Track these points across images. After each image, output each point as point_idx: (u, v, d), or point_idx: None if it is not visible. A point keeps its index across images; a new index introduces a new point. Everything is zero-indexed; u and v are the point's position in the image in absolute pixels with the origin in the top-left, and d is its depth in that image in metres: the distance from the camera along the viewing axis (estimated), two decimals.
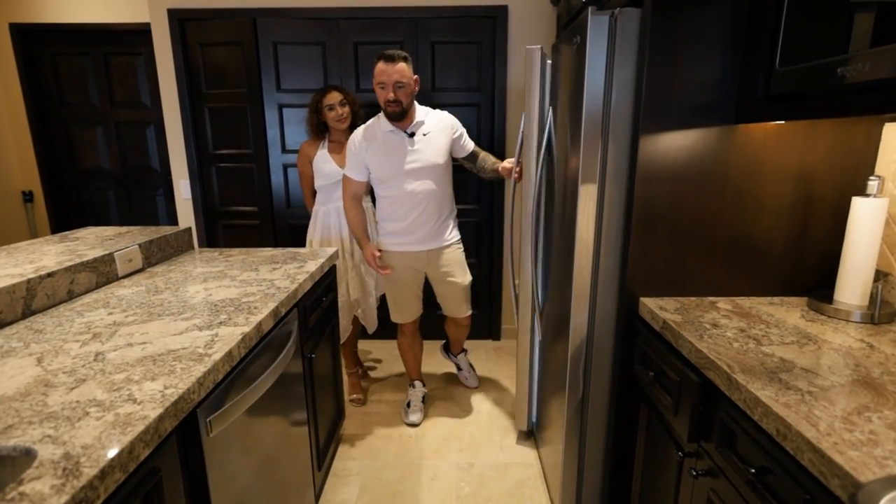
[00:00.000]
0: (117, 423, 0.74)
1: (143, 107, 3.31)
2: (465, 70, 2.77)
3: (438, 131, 1.91)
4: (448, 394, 2.47)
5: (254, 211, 2.96)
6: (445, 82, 2.79)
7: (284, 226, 2.96)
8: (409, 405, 2.26)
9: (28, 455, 0.68)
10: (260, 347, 1.18)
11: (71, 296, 1.34)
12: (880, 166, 1.21)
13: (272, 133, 2.84)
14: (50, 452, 0.66)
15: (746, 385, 0.83)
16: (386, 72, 1.77)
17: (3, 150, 3.27)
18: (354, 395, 2.40)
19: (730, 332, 1.06)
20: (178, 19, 2.69)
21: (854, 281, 1.14)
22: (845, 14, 0.88)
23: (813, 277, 1.29)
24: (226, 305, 1.27)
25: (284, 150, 2.87)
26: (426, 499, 1.75)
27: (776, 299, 1.28)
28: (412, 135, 1.88)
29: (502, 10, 2.68)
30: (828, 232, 1.26)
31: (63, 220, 3.47)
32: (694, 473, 0.99)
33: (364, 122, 2.04)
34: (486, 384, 2.55)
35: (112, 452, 0.66)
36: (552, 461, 1.71)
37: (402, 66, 1.79)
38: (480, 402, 2.38)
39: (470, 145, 2.05)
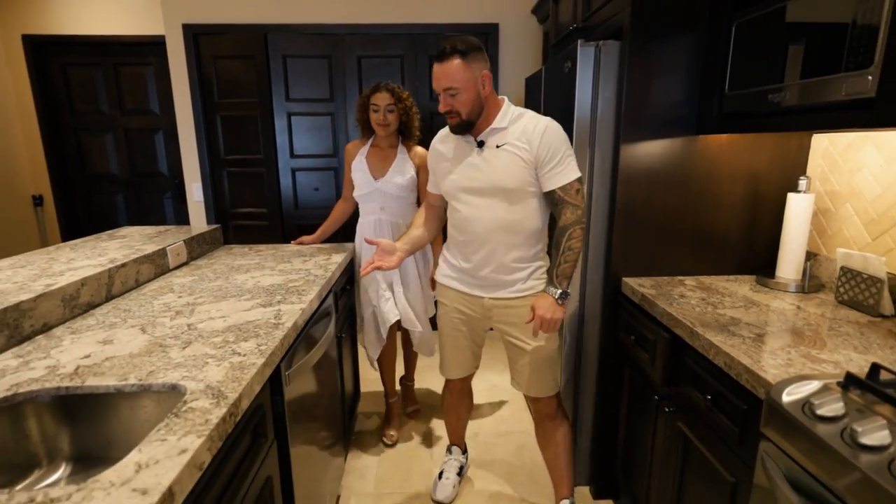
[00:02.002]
0: (234, 367, 0.96)
1: (152, 114, 3.47)
2: None
3: (521, 143, 1.34)
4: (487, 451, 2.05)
5: (263, 212, 3.16)
6: None
7: (293, 226, 3.16)
8: (440, 475, 1.83)
9: (174, 389, 0.91)
10: (311, 322, 1.41)
11: (137, 284, 1.54)
12: (810, 168, 1.52)
13: (281, 139, 3.05)
14: (194, 386, 0.89)
15: (704, 334, 1.10)
16: (435, 76, 1.33)
17: (14, 155, 3.39)
18: (389, 432, 2.11)
19: (693, 301, 1.34)
20: (193, 34, 2.88)
21: (790, 260, 1.44)
22: (781, 51, 1.17)
23: (760, 259, 1.58)
24: (276, 289, 1.49)
25: (293, 155, 3.08)
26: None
27: (731, 277, 1.57)
28: (481, 144, 1.39)
29: (493, 28, 2.95)
30: (771, 222, 1.56)
31: (73, 223, 3.60)
32: (667, 410, 1.26)
33: (408, 133, 1.98)
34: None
35: (243, 383, 0.89)
36: None
37: (454, 64, 1.28)
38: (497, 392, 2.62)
39: (557, 181, 1.34)
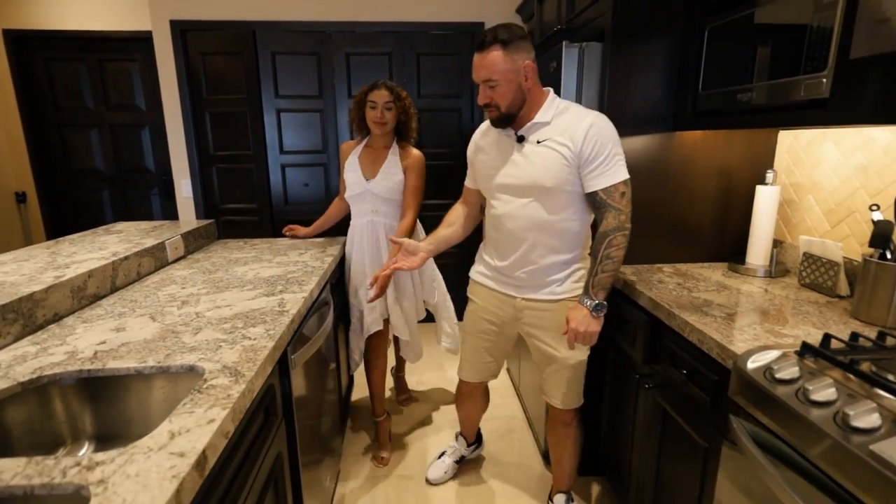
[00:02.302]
0: (246, 350, 1.03)
1: (137, 110, 3.45)
2: (448, 79, 3.10)
3: (563, 140, 1.26)
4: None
5: (253, 208, 3.19)
6: (430, 90, 3.11)
7: (283, 221, 3.17)
8: (439, 456, 1.89)
9: (192, 371, 0.97)
10: (312, 310, 1.48)
11: (139, 276, 1.58)
12: (776, 163, 1.63)
13: (271, 135, 3.09)
14: (211, 366, 0.95)
15: (680, 315, 1.20)
16: (475, 66, 1.26)
17: None
18: (381, 454, 1.98)
19: (671, 286, 1.44)
20: (181, 30, 2.89)
21: (759, 248, 1.55)
22: (748, 54, 1.26)
23: (732, 247, 1.69)
24: (277, 280, 1.55)
25: (282, 151, 3.12)
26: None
27: (706, 264, 1.68)
28: (521, 139, 1.32)
29: (479, 26, 3.03)
30: (742, 213, 1.67)
31: (57, 220, 3.56)
32: (647, 386, 1.36)
33: (405, 133, 1.91)
34: None
35: (257, 363, 0.96)
36: (536, 411, 2.06)
37: (494, 55, 1.22)
38: None
39: (600, 182, 1.25)
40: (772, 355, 0.91)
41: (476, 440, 1.97)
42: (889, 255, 1.13)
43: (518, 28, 1.25)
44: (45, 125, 3.43)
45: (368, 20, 2.96)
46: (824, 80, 1.00)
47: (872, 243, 1.17)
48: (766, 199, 1.52)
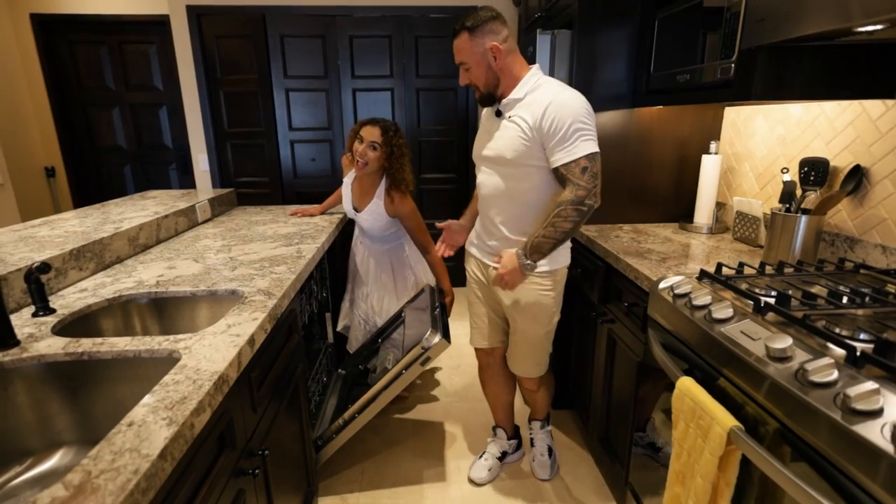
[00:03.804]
0: (274, 280, 1.31)
1: (156, 90, 3.70)
2: (444, 60, 3.33)
3: (526, 115, 1.32)
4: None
5: (265, 181, 3.46)
6: (428, 70, 3.34)
7: (291, 193, 3.47)
8: (481, 455, 1.82)
9: (234, 294, 1.25)
10: (323, 258, 1.76)
11: (177, 232, 1.87)
12: (722, 135, 1.88)
13: (280, 113, 3.33)
14: (248, 290, 1.24)
15: (624, 258, 1.48)
16: (454, 51, 1.36)
17: (26, 129, 3.62)
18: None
19: (625, 240, 1.71)
20: (196, 14, 3.12)
21: (704, 209, 1.81)
22: (686, 42, 1.50)
23: (684, 208, 1.95)
24: (293, 236, 1.83)
25: (291, 128, 3.37)
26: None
27: (661, 224, 1.95)
28: (499, 114, 1.40)
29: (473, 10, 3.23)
30: (693, 179, 1.92)
31: (83, 192, 3.85)
32: (600, 321, 1.64)
33: (393, 176, 1.87)
34: None
35: (285, 286, 1.24)
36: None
37: (462, 39, 1.32)
38: None
39: (560, 158, 1.28)
40: (677, 279, 1.18)
41: (516, 435, 1.90)
42: (792, 209, 1.39)
43: (487, 12, 1.31)
44: (70, 105, 3.69)
45: (370, 4, 3.18)
46: (732, 65, 1.25)
47: (781, 200, 1.43)
48: (709, 167, 1.78)
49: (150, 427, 0.68)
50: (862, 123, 1.29)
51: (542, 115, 1.28)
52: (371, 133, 1.80)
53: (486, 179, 1.46)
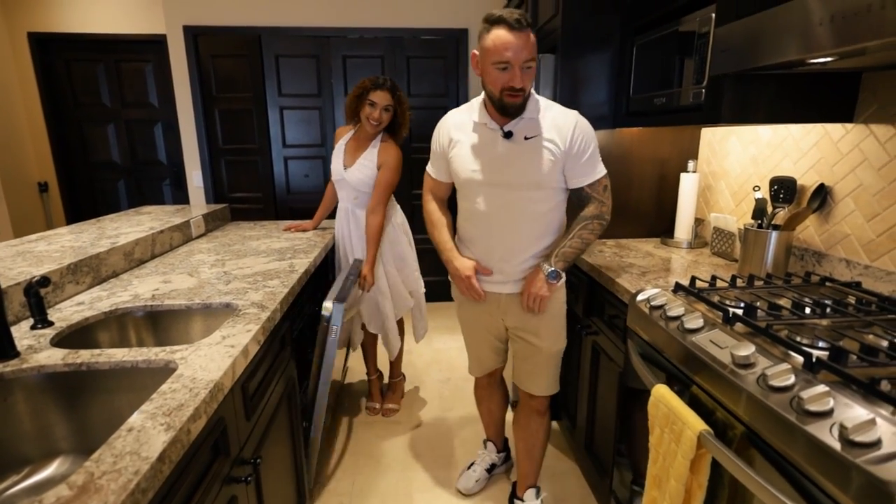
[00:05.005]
0: (267, 293, 1.35)
1: (151, 107, 3.75)
2: (435, 80, 3.42)
3: (551, 137, 1.30)
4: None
5: (258, 196, 3.51)
6: (419, 90, 3.43)
7: (285, 209, 3.52)
8: (469, 466, 1.84)
9: (228, 307, 1.29)
10: (315, 272, 1.80)
11: (171, 247, 1.90)
12: (700, 154, 1.97)
13: (274, 131, 3.40)
14: (242, 303, 1.28)
15: (606, 272, 1.54)
16: (512, 46, 1.17)
17: (20, 145, 3.64)
18: (370, 404, 2.31)
19: (608, 254, 1.77)
20: (193, 34, 3.20)
21: (683, 225, 1.88)
22: (662, 67, 1.59)
23: (665, 225, 2.03)
24: (286, 250, 1.88)
25: (285, 144, 3.43)
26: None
27: (643, 239, 2.02)
28: (509, 135, 1.30)
29: (464, 33, 3.34)
30: (673, 196, 2.00)
31: (76, 207, 3.87)
32: (585, 333, 1.69)
33: (397, 130, 1.94)
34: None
35: (278, 299, 1.29)
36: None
37: (532, 37, 1.20)
38: None
39: (587, 178, 1.34)
40: (654, 292, 1.24)
41: (504, 448, 1.92)
42: (763, 225, 1.46)
43: None
44: (65, 121, 3.73)
45: (363, 26, 3.27)
46: (703, 90, 1.33)
47: (753, 216, 1.50)
48: (687, 185, 1.86)
49: (149, 432, 0.71)
50: (825, 145, 1.37)
51: (571, 136, 1.30)
52: (383, 98, 1.88)
53: (503, 208, 1.34)
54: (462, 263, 1.41)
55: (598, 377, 1.67)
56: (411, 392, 2.49)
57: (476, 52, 1.27)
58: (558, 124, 1.31)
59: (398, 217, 2.12)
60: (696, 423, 0.90)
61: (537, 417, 1.58)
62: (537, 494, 1.66)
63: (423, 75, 3.41)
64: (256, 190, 3.50)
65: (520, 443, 1.64)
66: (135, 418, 0.74)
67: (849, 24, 0.83)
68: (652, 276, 1.49)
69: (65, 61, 3.63)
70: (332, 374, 1.59)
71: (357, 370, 2.67)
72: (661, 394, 1.02)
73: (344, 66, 3.35)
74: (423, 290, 2.24)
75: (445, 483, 1.84)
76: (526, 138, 1.30)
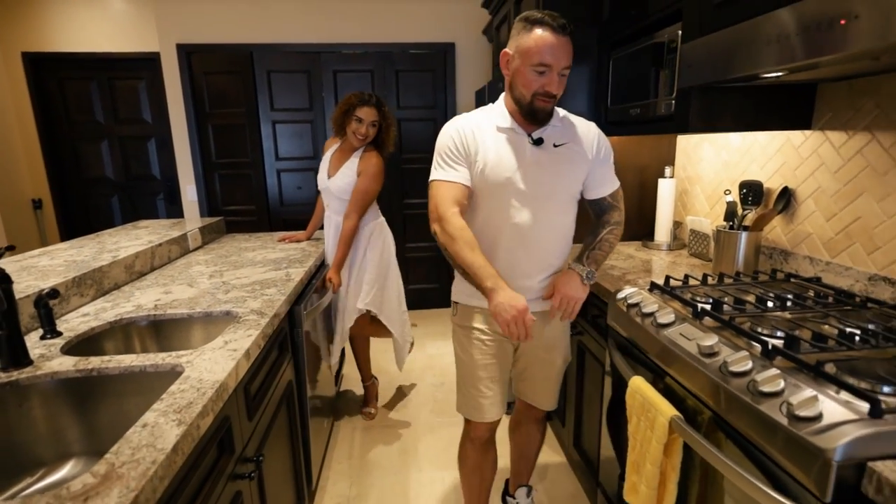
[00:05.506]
0: (265, 301, 1.42)
1: (144, 123, 3.81)
2: (423, 92, 3.52)
3: (578, 145, 1.27)
4: None
5: (252, 209, 3.57)
6: (408, 102, 3.52)
7: (279, 221, 3.58)
8: None
9: (228, 315, 1.35)
10: (313, 282, 1.86)
11: (170, 259, 1.96)
12: (677, 161, 2.06)
13: (267, 144, 3.47)
14: (242, 311, 1.34)
15: None
16: (555, 49, 1.12)
17: (14, 162, 3.68)
18: (366, 409, 2.36)
19: None
20: (186, 52, 3.27)
21: (662, 228, 1.97)
22: (636, 80, 1.68)
23: (647, 228, 2.12)
24: (281, 260, 1.94)
25: (278, 158, 3.50)
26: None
27: (625, 243, 2.10)
28: (539, 142, 1.23)
29: (451, 47, 3.45)
30: (652, 201, 2.09)
31: (70, 224, 3.90)
32: (572, 334, 1.76)
33: (381, 144, 1.99)
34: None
35: (276, 306, 1.35)
36: None
37: (571, 45, 1.15)
38: None
39: (610, 186, 1.35)
40: (631, 291, 1.32)
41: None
42: (734, 226, 1.55)
43: None
44: (59, 138, 3.78)
45: (353, 41, 3.37)
46: (672, 101, 1.42)
47: (725, 218, 1.59)
48: (665, 190, 1.95)
49: (163, 427, 0.77)
50: (787, 150, 1.47)
51: (596, 145, 1.29)
52: (369, 114, 1.95)
53: (532, 220, 1.24)
54: (513, 295, 1.13)
55: (584, 375, 1.74)
56: (407, 396, 2.54)
57: (509, 51, 1.18)
58: (582, 132, 1.29)
59: (389, 238, 2.19)
60: (668, 410, 0.97)
61: (537, 425, 1.58)
62: (528, 493, 1.69)
63: (411, 88, 3.50)
64: (250, 203, 3.56)
65: (516, 446, 1.65)
66: (148, 415, 0.80)
67: (799, 42, 0.92)
68: (632, 276, 1.58)
69: (58, 80, 3.68)
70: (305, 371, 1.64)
71: (352, 377, 2.73)
72: (637, 385, 1.09)
73: (335, 81, 3.44)
74: (408, 328, 2.28)
75: (441, 484, 1.90)
76: (555, 146, 1.24)
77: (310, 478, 1.70)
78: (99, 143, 3.82)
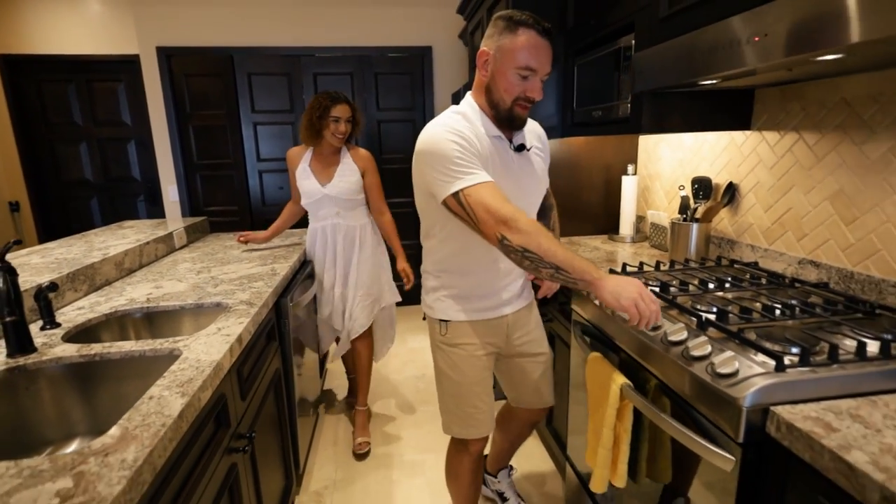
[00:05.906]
0: (254, 293, 1.50)
1: (124, 125, 3.82)
2: (402, 95, 3.62)
3: (542, 145, 1.32)
4: None
5: (234, 210, 3.62)
6: (387, 104, 3.62)
7: (261, 220, 3.63)
8: None
9: (219, 306, 1.44)
10: (298, 277, 1.95)
11: (156, 257, 2.03)
12: (639, 159, 2.21)
13: (248, 145, 3.53)
14: (231, 302, 1.43)
15: None
16: (542, 53, 1.09)
17: None
18: (350, 399, 2.26)
19: None
20: (166, 55, 3.31)
21: (626, 222, 2.12)
22: (596, 85, 1.81)
23: (613, 222, 2.26)
24: (266, 257, 2.02)
25: (259, 159, 3.56)
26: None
27: (592, 236, 2.25)
28: (520, 148, 1.22)
29: (428, 50, 3.56)
30: (617, 197, 2.24)
31: (48, 226, 3.88)
32: (543, 321, 1.89)
33: (354, 141, 2.01)
34: None
35: (264, 297, 1.44)
36: None
37: (551, 48, 1.12)
38: None
39: (548, 179, 1.38)
40: None
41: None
42: (687, 219, 1.70)
43: None
44: (36, 140, 3.76)
45: (333, 45, 3.45)
46: (628, 105, 1.56)
47: (679, 211, 1.74)
48: (628, 186, 2.10)
49: (168, 398, 0.87)
50: (732, 149, 1.62)
51: (546, 142, 1.34)
52: (344, 111, 1.96)
53: None
54: (620, 276, 1.06)
55: (555, 359, 1.86)
56: (388, 387, 2.64)
57: (488, 50, 1.10)
58: (536, 132, 1.31)
59: (378, 232, 2.22)
60: (619, 378, 1.10)
61: (536, 423, 1.59)
62: (509, 472, 1.78)
63: (390, 91, 3.60)
64: (232, 203, 3.61)
65: (507, 439, 1.65)
66: (153, 390, 0.90)
67: (724, 55, 1.05)
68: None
69: (36, 82, 3.67)
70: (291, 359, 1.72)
71: (337, 371, 2.81)
72: (595, 359, 1.22)
73: (315, 83, 3.51)
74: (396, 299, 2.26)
75: (422, 467, 2.00)
76: (528, 149, 1.24)
77: (297, 461, 1.79)
78: (77, 145, 3.81)
